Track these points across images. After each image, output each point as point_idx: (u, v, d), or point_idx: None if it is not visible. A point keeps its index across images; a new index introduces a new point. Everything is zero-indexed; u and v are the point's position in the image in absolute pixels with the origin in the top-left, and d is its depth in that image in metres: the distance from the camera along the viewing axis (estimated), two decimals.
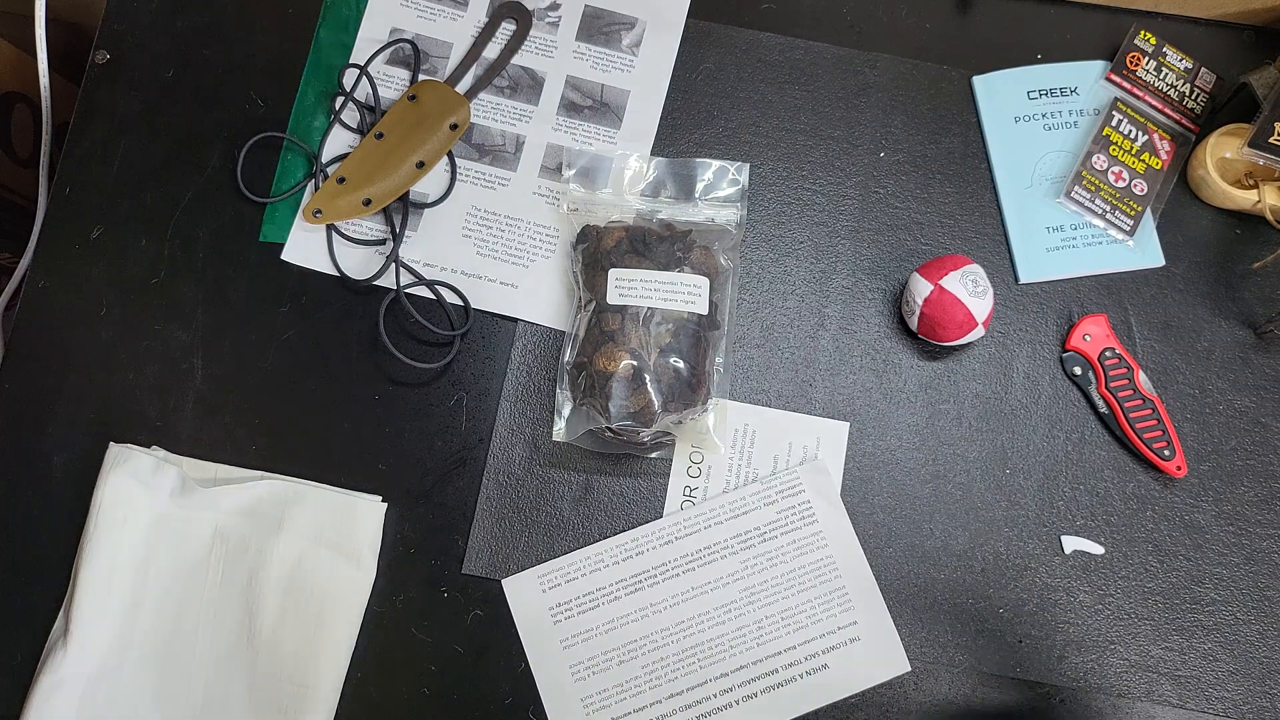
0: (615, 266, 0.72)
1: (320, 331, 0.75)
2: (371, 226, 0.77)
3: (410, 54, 0.80)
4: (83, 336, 0.75)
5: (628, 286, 0.71)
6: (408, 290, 0.75)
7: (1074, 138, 0.79)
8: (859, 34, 0.82)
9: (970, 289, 0.71)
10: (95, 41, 0.79)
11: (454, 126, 0.77)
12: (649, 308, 0.70)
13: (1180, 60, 0.80)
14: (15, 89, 0.93)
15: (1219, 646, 0.72)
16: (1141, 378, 0.74)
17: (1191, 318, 0.77)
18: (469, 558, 0.72)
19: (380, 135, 0.77)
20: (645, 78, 0.80)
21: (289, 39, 0.80)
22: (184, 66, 0.80)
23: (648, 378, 0.68)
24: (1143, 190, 0.78)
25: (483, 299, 0.76)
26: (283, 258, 0.76)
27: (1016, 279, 0.77)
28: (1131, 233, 0.77)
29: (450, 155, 0.78)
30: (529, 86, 0.80)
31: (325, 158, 0.78)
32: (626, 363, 0.69)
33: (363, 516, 0.71)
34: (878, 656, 0.70)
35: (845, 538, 0.72)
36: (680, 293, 0.71)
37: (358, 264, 0.76)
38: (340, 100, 0.78)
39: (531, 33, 0.81)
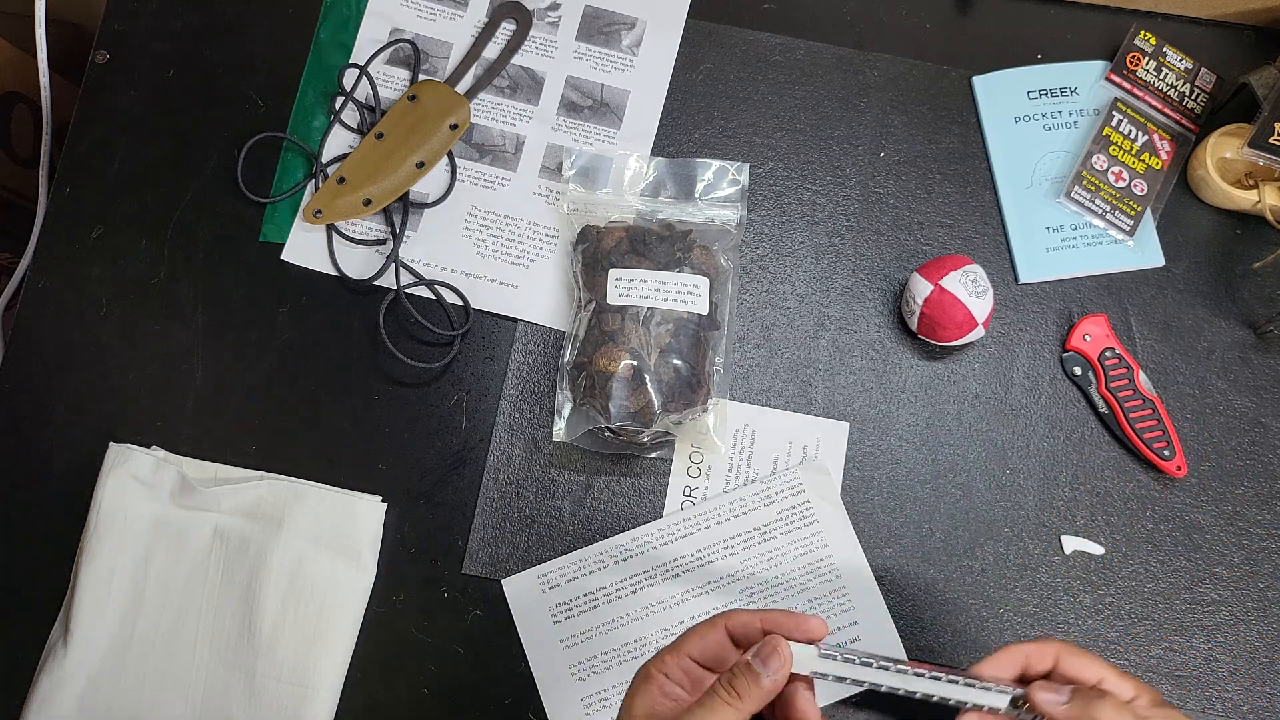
0: (615, 266, 0.72)
1: (320, 332, 0.75)
2: (371, 226, 0.77)
3: (410, 54, 0.80)
4: (83, 336, 0.75)
5: (628, 286, 0.71)
6: (408, 290, 0.75)
7: (1074, 138, 0.79)
8: (859, 34, 0.82)
9: (970, 289, 0.71)
10: (95, 41, 0.79)
11: (454, 126, 0.77)
12: (649, 308, 0.70)
13: (1180, 60, 0.80)
14: (15, 89, 0.93)
15: (1219, 646, 0.72)
16: (1141, 378, 0.74)
17: (1191, 318, 0.77)
18: (469, 558, 0.72)
19: (380, 135, 0.77)
20: (645, 78, 0.80)
21: (289, 39, 0.80)
22: (184, 66, 0.80)
23: (648, 378, 0.68)
24: (1143, 190, 0.78)
25: (483, 299, 0.76)
26: (283, 258, 0.76)
27: (1016, 279, 0.77)
28: (1131, 233, 0.77)
29: (450, 155, 0.78)
30: (529, 86, 0.80)
31: (325, 158, 0.78)
32: (626, 363, 0.69)
33: (363, 516, 0.71)
34: None
35: (845, 538, 0.72)
36: (680, 293, 0.71)
37: (358, 264, 0.76)
38: (340, 100, 0.78)
39: (531, 33, 0.81)
